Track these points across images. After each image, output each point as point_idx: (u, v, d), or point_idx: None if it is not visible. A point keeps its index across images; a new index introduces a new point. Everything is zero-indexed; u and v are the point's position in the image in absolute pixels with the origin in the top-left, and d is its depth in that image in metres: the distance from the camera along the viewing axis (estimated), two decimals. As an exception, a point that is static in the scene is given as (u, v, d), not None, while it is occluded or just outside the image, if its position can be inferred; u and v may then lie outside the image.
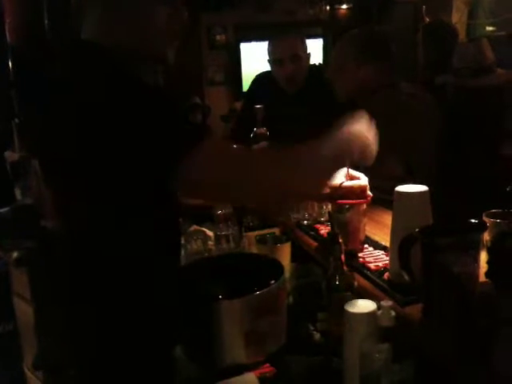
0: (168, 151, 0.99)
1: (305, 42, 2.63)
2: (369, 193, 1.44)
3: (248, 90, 2.88)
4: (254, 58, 4.45)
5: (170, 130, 1.00)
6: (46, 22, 1.75)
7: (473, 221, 1.11)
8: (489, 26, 4.62)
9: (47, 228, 1.06)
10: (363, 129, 1.17)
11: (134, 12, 1.08)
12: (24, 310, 1.94)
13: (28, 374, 2.09)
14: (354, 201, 1.42)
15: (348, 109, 2.08)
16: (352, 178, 1.41)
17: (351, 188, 1.41)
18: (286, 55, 2.53)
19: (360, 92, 2.04)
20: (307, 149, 1.11)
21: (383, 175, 1.63)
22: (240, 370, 1.23)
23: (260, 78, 2.78)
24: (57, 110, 1.06)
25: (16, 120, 1.75)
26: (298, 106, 2.57)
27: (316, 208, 1.75)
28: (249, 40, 4.70)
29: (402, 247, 1.09)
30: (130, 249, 1.07)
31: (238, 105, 3.68)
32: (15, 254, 1.72)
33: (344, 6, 4.88)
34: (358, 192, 1.42)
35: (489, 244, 0.94)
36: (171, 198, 1.11)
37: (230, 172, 1.04)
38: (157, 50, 1.13)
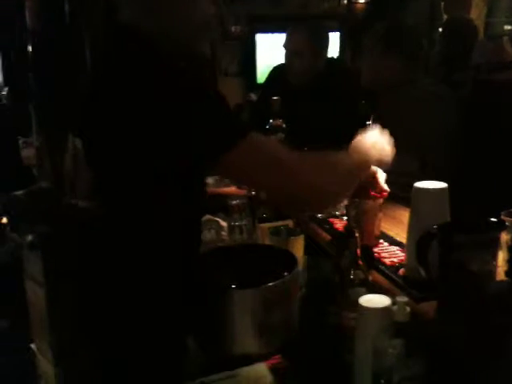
0: (211, 142, 1.00)
1: (316, 38, 2.60)
2: (386, 188, 1.43)
3: (265, 81, 2.88)
4: (269, 50, 4.43)
5: (211, 119, 1.01)
6: (66, 6, 1.75)
7: (492, 219, 1.11)
8: (507, 24, 4.58)
9: (69, 209, 1.06)
10: (377, 138, 1.27)
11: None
12: (36, 293, 1.95)
13: (39, 356, 2.10)
14: (371, 195, 1.42)
15: (363, 102, 2.09)
16: (370, 173, 1.41)
17: (369, 184, 1.40)
18: (290, 49, 2.55)
19: (383, 84, 2.04)
20: (339, 155, 1.18)
21: (399, 171, 1.62)
22: (251, 360, 1.23)
23: (277, 70, 2.77)
24: (101, 90, 1.07)
25: (33, 104, 1.76)
26: (312, 98, 2.57)
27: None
28: (265, 31, 4.67)
29: (420, 243, 1.08)
30: (155, 234, 1.08)
31: (253, 96, 3.67)
32: (29, 237, 1.73)
33: (361, 0, 4.85)
34: (375, 187, 1.41)
35: (509, 243, 0.93)
36: (203, 187, 1.13)
37: (271, 172, 1.07)
38: (192, 42, 1.13)
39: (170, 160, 1.00)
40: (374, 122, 1.33)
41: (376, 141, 1.26)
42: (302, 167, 1.10)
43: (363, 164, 1.25)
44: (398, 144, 1.32)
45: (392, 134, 1.32)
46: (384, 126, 1.34)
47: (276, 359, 1.26)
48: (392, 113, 1.91)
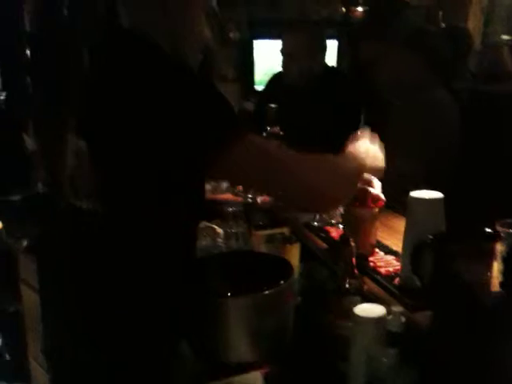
0: (210, 138, 1.01)
1: (312, 39, 2.61)
2: (382, 197, 1.43)
3: (264, 88, 2.89)
4: (267, 56, 4.44)
5: (213, 117, 1.03)
6: (65, 10, 1.76)
7: (486, 230, 1.11)
8: (504, 34, 4.60)
9: (68, 212, 1.06)
10: (369, 146, 1.27)
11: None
12: (31, 299, 1.94)
13: (32, 363, 2.09)
14: (367, 204, 1.42)
15: (356, 112, 2.09)
16: (366, 182, 1.41)
17: (366, 192, 1.40)
18: (286, 52, 2.57)
19: (395, 86, 2.04)
20: (338, 159, 1.19)
21: (394, 174, 1.62)
22: (245, 368, 1.23)
23: (276, 77, 2.78)
24: (103, 91, 1.08)
25: (32, 108, 1.76)
26: (309, 104, 2.57)
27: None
28: (263, 37, 4.68)
29: (414, 253, 1.08)
30: (153, 238, 1.08)
31: (248, 105, 3.67)
32: (25, 242, 1.72)
33: (359, 9, 4.84)
34: (372, 196, 1.41)
35: (504, 254, 0.93)
36: (203, 193, 1.13)
37: (270, 173, 1.07)
38: (181, 49, 1.14)
39: (171, 157, 1.01)
40: (379, 128, 1.33)
41: (368, 148, 1.27)
42: (301, 167, 1.10)
43: (360, 169, 1.25)
44: (402, 149, 1.32)
45: (398, 138, 1.32)
46: (390, 130, 1.34)
47: (270, 367, 1.25)
48: (403, 118, 1.91)
